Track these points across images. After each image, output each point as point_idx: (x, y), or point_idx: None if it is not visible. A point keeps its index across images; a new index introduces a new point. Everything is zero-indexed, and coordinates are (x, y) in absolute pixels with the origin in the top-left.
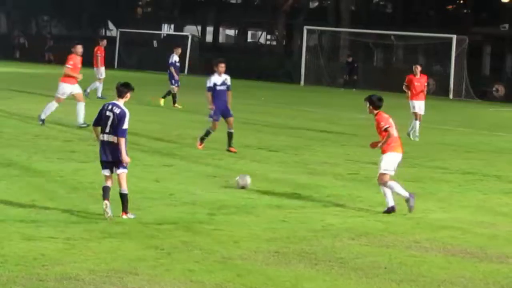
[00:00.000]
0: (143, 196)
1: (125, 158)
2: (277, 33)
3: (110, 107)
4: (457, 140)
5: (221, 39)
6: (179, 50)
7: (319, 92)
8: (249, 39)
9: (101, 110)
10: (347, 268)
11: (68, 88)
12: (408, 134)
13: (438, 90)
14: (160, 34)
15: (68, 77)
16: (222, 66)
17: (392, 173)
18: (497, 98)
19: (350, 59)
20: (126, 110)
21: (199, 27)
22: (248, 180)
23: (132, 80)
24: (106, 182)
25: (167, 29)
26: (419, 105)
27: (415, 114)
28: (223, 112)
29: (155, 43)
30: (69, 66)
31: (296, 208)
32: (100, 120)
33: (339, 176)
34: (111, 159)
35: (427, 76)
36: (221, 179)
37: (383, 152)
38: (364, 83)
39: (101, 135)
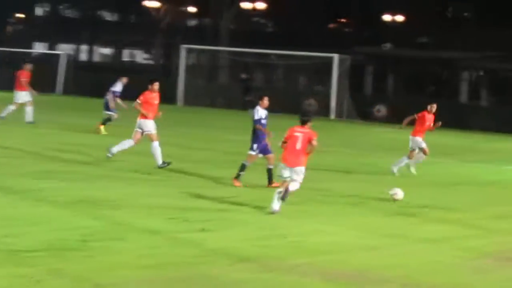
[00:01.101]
0: (14, 222)
1: None
2: (154, 52)
3: None
4: (339, 161)
5: (96, 58)
6: (125, 80)
7: (198, 113)
8: (125, 58)
9: None
10: None
11: (149, 125)
12: (393, 170)
13: (319, 110)
14: (32, 52)
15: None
16: (266, 100)
17: (283, 179)
18: (379, 119)
19: (244, 76)
20: None
21: (73, 46)
22: (399, 194)
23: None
24: None
25: (39, 48)
26: (421, 141)
27: (413, 152)
28: (263, 148)
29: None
30: (139, 101)
31: (172, 234)
32: None
33: (218, 200)
34: None
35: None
36: (96, 204)
37: None
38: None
39: None
